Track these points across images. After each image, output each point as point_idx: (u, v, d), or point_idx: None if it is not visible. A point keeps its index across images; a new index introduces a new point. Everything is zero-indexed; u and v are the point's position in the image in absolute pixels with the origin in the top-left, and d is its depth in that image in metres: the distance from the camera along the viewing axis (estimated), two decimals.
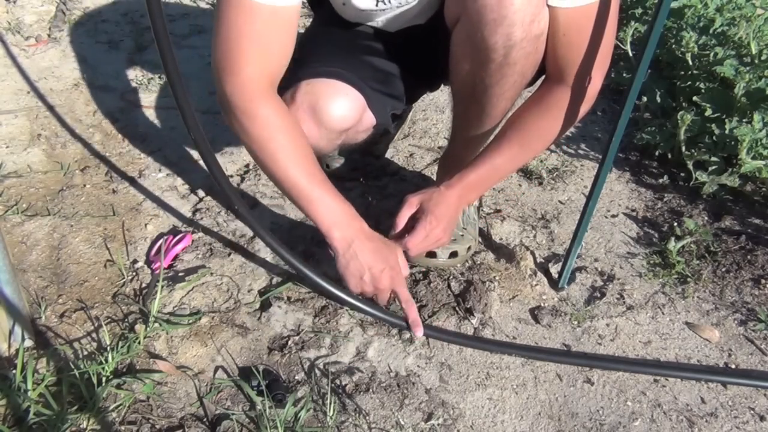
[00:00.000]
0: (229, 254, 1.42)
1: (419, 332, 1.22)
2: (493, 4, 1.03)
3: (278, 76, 1.14)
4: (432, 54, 1.34)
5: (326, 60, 1.26)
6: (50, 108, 1.88)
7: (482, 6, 1.04)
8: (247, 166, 1.72)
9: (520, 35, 1.05)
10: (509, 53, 1.08)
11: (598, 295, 1.40)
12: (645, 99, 1.87)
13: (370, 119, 1.30)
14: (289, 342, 1.23)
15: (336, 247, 1.20)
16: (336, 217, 1.18)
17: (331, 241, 1.20)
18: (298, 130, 1.16)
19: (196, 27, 2.42)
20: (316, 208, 1.17)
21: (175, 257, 1.41)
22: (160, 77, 2.06)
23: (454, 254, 1.39)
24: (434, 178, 1.61)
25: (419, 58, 1.34)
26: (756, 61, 1.73)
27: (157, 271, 1.32)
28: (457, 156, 1.42)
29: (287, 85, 1.21)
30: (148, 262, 1.39)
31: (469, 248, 1.42)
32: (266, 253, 1.43)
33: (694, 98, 1.76)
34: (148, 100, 1.96)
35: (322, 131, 1.23)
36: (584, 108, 1.16)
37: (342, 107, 1.21)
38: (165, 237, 1.43)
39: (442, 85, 1.61)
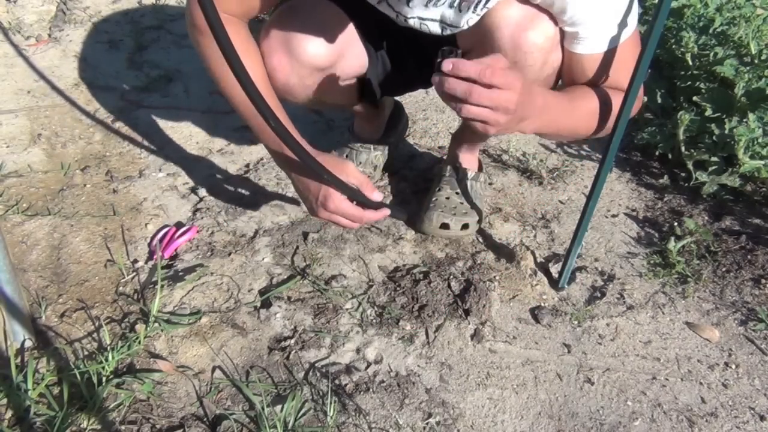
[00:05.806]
0: (229, 254, 1.42)
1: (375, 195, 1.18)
2: (508, 49, 1.10)
3: (252, 14, 1.15)
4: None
5: None
6: (50, 108, 1.88)
7: (498, 50, 1.10)
8: (247, 165, 1.72)
9: (532, 77, 1.12)
10: None
11: (599, 294, 1.40)
12: (645, 99, 1.87)
13: (351, 66, 1.29)
14: (290, 342, 1.23)
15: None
16: (273, 145, 1.17)
17: None
18: (253, 56, 1.15)
19: None
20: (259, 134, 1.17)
21: (176, 250, 1.40)
22: (159, 77, 2.06)
23: (465, 226, 1.47)
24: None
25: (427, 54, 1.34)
26: (756, 61, 1.73)
27: (156, 262, 1.32)
28: (469, 137, 1.54)
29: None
30: (150, 253, 1.39)
31: (479, 221, 1.51)
32: (266, 253, 1.43)
33: (694, 98, 1.75)
34: (148, 100, 1.96)
35: (294, 64, 1.21)
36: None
37: (318, 43, 1.19)
38: (168, 228, 1.44)
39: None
